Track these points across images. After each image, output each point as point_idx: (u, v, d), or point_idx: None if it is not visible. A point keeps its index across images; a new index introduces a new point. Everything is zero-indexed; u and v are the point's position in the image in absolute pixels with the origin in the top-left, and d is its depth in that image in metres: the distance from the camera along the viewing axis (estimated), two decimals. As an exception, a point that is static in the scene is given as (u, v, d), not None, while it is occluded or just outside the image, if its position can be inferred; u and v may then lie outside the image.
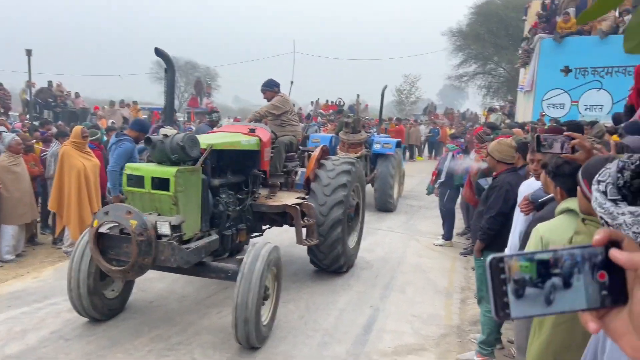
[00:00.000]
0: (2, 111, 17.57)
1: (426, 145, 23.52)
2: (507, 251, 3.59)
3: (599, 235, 0.65)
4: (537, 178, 3.41)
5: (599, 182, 1.53)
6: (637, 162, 1.04)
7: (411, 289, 5.78)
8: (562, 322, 1.78)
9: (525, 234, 2.89)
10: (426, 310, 5.15)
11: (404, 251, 7.36)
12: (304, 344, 4.28)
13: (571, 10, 13.72)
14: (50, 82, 19.68)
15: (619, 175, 1.49)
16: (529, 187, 3.49)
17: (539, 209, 2.83)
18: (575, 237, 1.86)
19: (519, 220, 3.48)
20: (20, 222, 6.48)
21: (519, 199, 3.53)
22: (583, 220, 1.90)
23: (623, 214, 0.95)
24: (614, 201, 1.47)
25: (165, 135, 4.02)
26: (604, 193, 1.49)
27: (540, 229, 2.36)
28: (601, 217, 1.51)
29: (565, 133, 2.27)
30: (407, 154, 20.84)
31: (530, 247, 2.39)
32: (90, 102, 23.37)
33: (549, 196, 2.78)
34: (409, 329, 4.71)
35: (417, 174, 15.58)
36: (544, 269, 0.63)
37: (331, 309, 5.05)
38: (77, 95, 20.34)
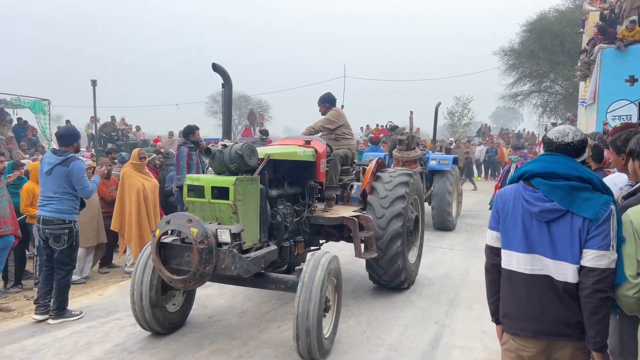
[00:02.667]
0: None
1: (482, 166, 22.87)
2: None
3: None
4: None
5: None
6: None
7: (478, 305, 5.45)
8: None
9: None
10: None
11: (466, 269, 7.02)
12: (368, 358, 4.09)
13: (635, 18, 13.11)
14: (113, 117, 20.77)
15: None
16: (610, 181, 3.23)
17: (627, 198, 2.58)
18: None
19: None
20: (87, 244, 6.67)
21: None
22: None
23: None
24: None
25: (224, 145, 4.04)
26: None
27: (630, 213, 2.14)
28: None
29: None
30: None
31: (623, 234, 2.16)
32: (150, 136, 24.46)
33: (638, 184, 2.53)
34: (479, 344, 4.41)
35: (475, 194, 15.09)
36: None
37: (394, 325, 4.83)
38: (138, 128, 21.34)
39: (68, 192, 4.88)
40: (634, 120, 12.73)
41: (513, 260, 2.29)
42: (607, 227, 2.08)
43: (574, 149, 2.25)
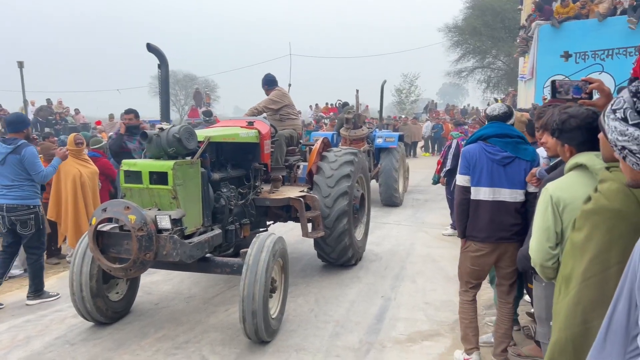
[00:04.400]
0: (2, 131, 17.63)
1: (429, 142, 23.39)
2: None
3: None
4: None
5: (614, 111, 1.42)
6: None
7: (422, 278, 5.64)
8: (592, 276, 1.64)
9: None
10: (439, 298, 5.01)
11: (412, 243, 7.23)
12: (315, 335, 4.16)
13: (568, -5, 13.60)
14: (49, 100, 19.73)
15: (635, 99, 1.37)
16: (541, 153, 3.43)
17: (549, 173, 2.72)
18: (600, 185, 1.72)
19: None
20: None
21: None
22: (607, 169, 1.76)
23: None
24: (638, 125, 1.36)
25: (161, 129, 3.92)
26: (624, 120, 1.38)
27: (550, 188, 2.24)
28: (623, 148, 1.39)
29: (583, 78, 2.16)
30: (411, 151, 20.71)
31: (540, 207, 2.27)
32: (91, 119, 23.40)
33: (557, 160, 2.66)
34: (422, 316, 4.57)
35: (422, 170, 15.46)
36: None
37: (341, 301, 4.92)
38: (77, 111, 20.39)
39: (26, 179, 4.90)
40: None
41: (480, 193, 3.34)
42: (540, 166, 3.28)
43: (501, 117, 3.44)
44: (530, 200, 3.27)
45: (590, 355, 1.35)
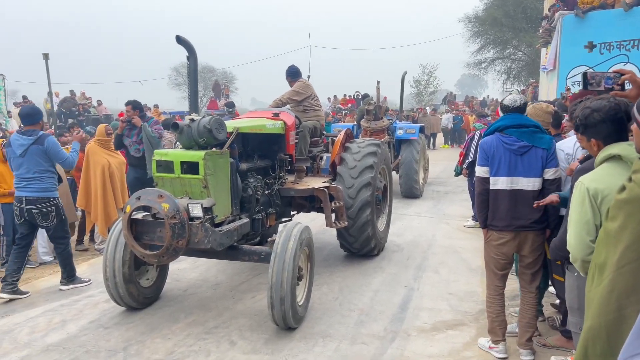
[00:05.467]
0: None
1: (449, 134, 23.21)
2: None
3: None
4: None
5: None
6: None
7: (445, 269, 5.68)
8: (627, 264, 1.68)
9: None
10: (462, 288, 5.05)
11: (433, 234, 7.26)
12: (341, 323, 4.24)
13: (593, -16, 13.32)
14: (72, 92, 20.07)
15: None
16: (558, 147, 3.49)
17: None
18: (635, 175, 1.75)
19: None
20: None
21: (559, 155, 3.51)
22: None
23: None
24: None
25: (192, 120, 4.02)
26: None
27: (585, 181, 2.25)
28: None
29: (614, 70, 2.17)
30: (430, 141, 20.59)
31: (576, 201, 2.29)
32: (113, 111, 23.72)
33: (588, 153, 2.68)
34: (446, 306, 4.62)
35: (441, 161, 15.40)
36: None
37: (365, 290, 5.00)
38: (99, 102, 20.70)
39: (47, 170, 4.97)
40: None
41: (499, 182, 3.42)
42: (555, 154, 3.40)
43: (521, 108, 3.52)
44: (547, 187, 3.35)
45: (629, 340, 1.39)
